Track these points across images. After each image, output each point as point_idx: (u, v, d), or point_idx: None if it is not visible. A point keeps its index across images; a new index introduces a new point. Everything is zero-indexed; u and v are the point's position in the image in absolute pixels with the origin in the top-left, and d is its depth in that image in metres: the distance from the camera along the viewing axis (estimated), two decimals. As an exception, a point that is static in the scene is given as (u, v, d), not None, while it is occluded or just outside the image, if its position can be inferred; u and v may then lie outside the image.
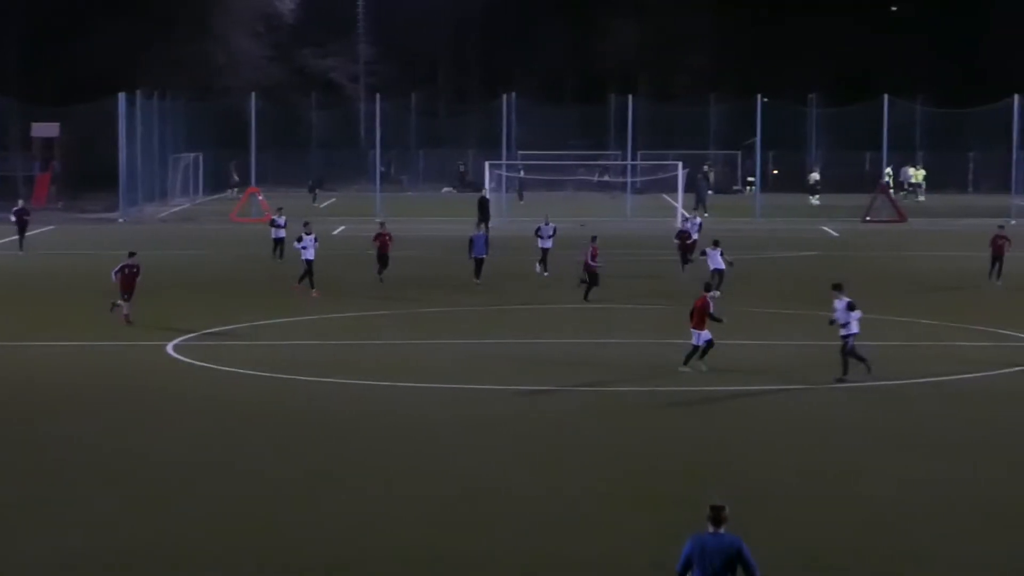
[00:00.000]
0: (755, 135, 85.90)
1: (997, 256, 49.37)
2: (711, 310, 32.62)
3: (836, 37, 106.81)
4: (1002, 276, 49.11)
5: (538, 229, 52.87)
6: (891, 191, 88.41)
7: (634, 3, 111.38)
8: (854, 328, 31.50)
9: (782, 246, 64.24)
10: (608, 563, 19.93)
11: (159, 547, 20.48)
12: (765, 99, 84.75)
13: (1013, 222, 78.65)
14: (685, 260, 51.38)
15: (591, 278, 45.28)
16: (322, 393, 31.48)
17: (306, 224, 49.24)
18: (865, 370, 31.57)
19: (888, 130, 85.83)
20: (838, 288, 32.45)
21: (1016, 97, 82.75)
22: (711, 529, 15.11)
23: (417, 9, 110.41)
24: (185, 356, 35.54)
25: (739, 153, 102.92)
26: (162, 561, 19.97)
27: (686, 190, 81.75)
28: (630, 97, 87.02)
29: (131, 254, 41.18)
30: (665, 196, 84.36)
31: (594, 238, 46.95)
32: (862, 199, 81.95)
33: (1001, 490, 23.47)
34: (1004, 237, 49.75)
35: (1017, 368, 34.09)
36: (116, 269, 40.57)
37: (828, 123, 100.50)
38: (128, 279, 40.22)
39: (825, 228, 74.64)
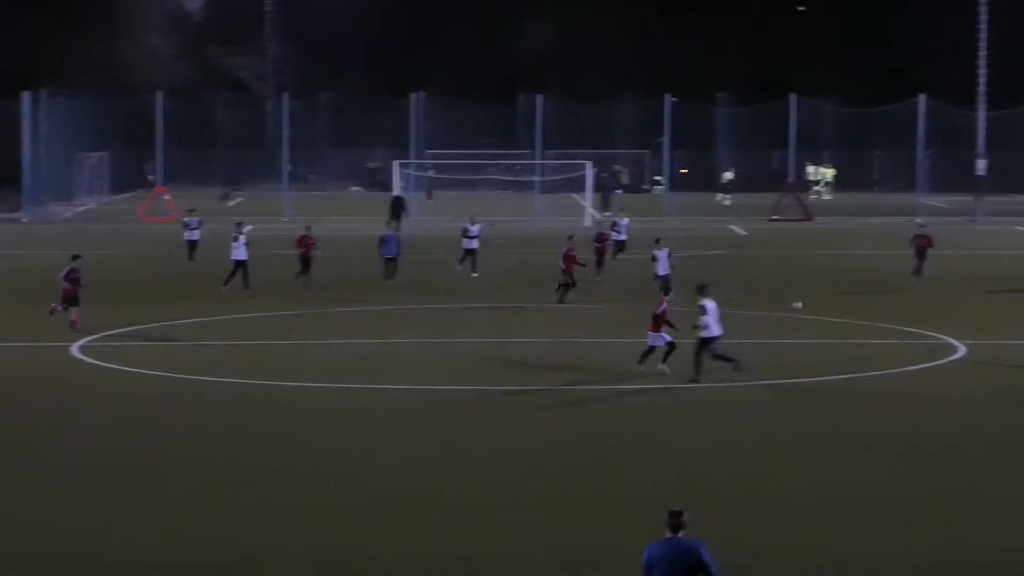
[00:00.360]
0: (664, 134, 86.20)
1: (920, 255, 49.48)
2: (666, 315, 32.40)
3: (745, 36, 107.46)
4: (923, 275, 49.08)
5: (465, 230, 52.63)
6: (809, 189, 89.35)
7: (545, 2, 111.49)
8: (715, 331, 31.19)
9: (689, 245, 64.41)
10: (512, 556, 19.89)
11: (50, 548, 20.21)
12: (674, 98, 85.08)
13: (919, 220, 79.47)
14: (600, 262, 51.18)
15: (568, 280, 44.80)
16: (225, 393, 31.22)
17: (239, 224, 48.59)
18: (734, 368, 31.42)
19: (796, 129, 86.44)
20: (703, 290, 32.03)
21: (922, 97, 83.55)
22: (669, 535, 14.59)
23: (326, 8, 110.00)
24: (90, 357, 35.15)
25: (648, 152, 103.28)
26: (52, 561, 19.71)
27: (595, 189, 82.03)
28: (540, 96, 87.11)
29: (75, 257, 39.98)
30: (574, 196, 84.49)
31: (571, 237, 46.76)
32: (771, 198, 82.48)
33: (898, 487, 23.57)
34: (925, 236, 49.95)
35: (924, 365, 34.35)
36: (63, 274, 39.23)
37: (737, 122, 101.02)
38: (73, 284, 38.96)
39: (733, 227, 75.01)
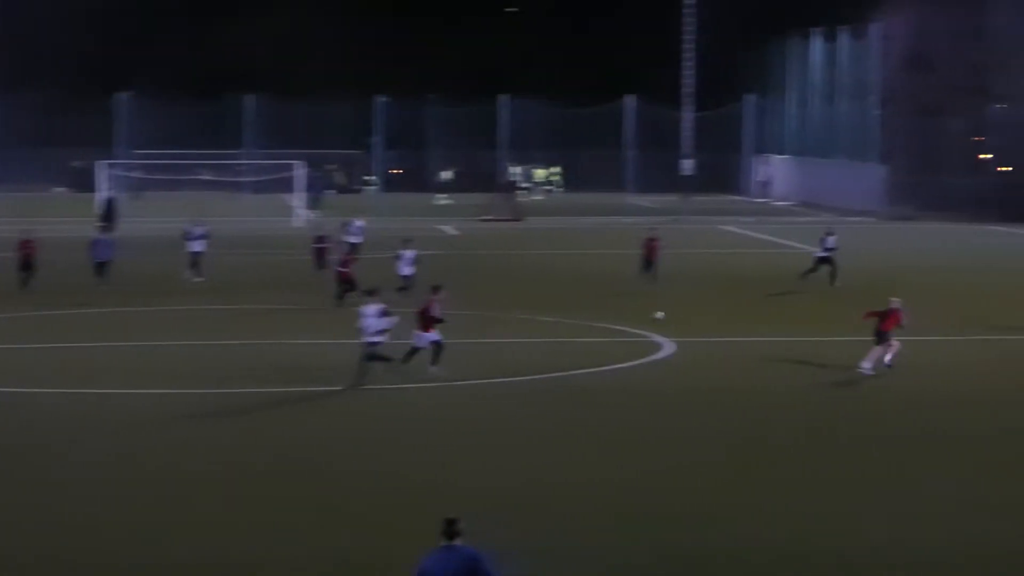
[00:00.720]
0: (376, 135, 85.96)
1: (649, 258, 49.61)
2: (436, 313, 31.97)
3: (457, 37, 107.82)
4: (655, 275, 49.21)
5: (186, 232, 51.41)
6: (518, 189, 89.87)
7: (257, 2, 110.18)
8: (380, 336, 30.75)
9: (398, 246, 64.13)
10: (203, 564, 19.39)
11: None
12: (386, 99, 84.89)
13: (628, 221, 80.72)
14: (321, 264, 50.47)
15: (344, 282, 43.85)
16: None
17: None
18: (386, 369, 31.11)
19: (508, 129, 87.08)
20: (371, 294, 31.80)
21: (629, 98, 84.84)
22: (444, 543, 14.16)
23: (32, 3, 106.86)
24: None
25: (361, 153, 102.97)
26: None
27: (306, 190, 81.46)
28: (250, 96, 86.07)
29: None
30: (285, 196, 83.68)
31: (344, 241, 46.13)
32: (484, 198, 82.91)
33: (600, 481, 23.67)
34: (656, 239, 50.16)
35: (629, 363, 34.66)
36: None
37: (449, 122, 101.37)
38: None
39: (444, 227, 75.10)
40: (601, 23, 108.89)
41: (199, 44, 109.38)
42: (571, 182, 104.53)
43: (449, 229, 73.95)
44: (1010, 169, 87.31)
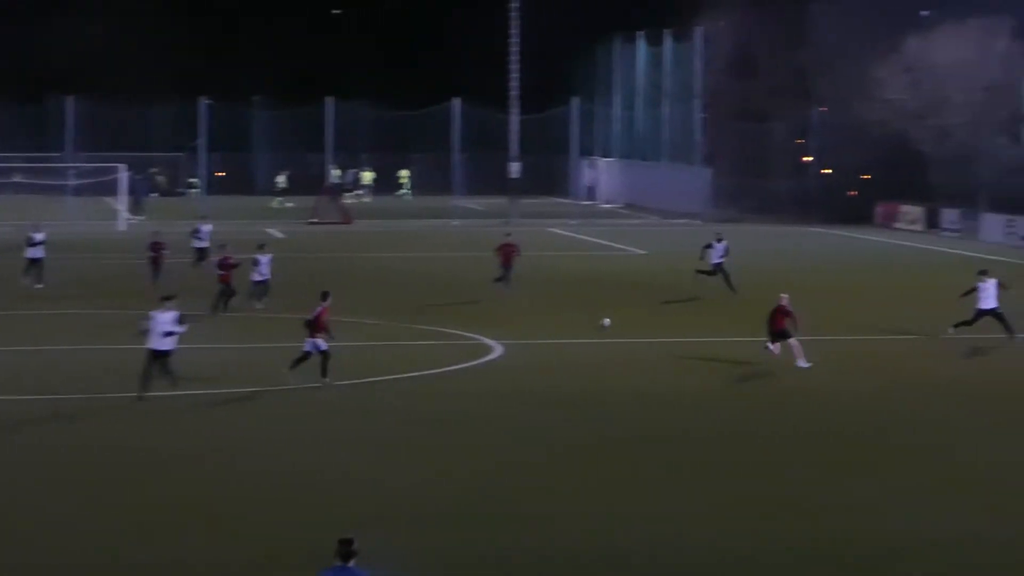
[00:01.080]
0: (199, 137, 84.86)
1: (506, 264, 48.36)
2: (324, 320, 31.19)
3: (281, 39, 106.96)
4: (510, 282, 47.99)
5: (30, 238, 50.11)
6: (349, 192, 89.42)
7: (77, 4, 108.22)
8: (168, 344, 29.57)
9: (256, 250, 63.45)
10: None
11: None
12: (209, 101, 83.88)
13: (456, 223, 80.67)
14: (156, 270, 49.34)
15: (227, 288, 42.87)
16: None
17: None
18: (170, 384, 29.88)
19: (334, 132, 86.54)
20: (168, 299, 30.48)
21: (456, 100, 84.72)
22: (338, 563, 13.74)
23: None
24: None
25: (184, 155, 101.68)
26: None
27: (128, 193, 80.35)
28: (70, 98, 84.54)
29: None
30: (107, 199, 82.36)
31: (223, 245, 45.10)
32: (311, 201, 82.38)
33: (436, 486, 23.51)
34: (512, 245, 48.96)
35: (458, 366, 34.52)
36: None
37: (275, 125, 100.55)
38: None
39: (271, 230, 74.32)
40: (428, 26, 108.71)
41: (17, 46, 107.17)
42: (399, 185, 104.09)
43: (276, 232, 73.16)
44: (831, 172, 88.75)
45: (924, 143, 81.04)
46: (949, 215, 77.33)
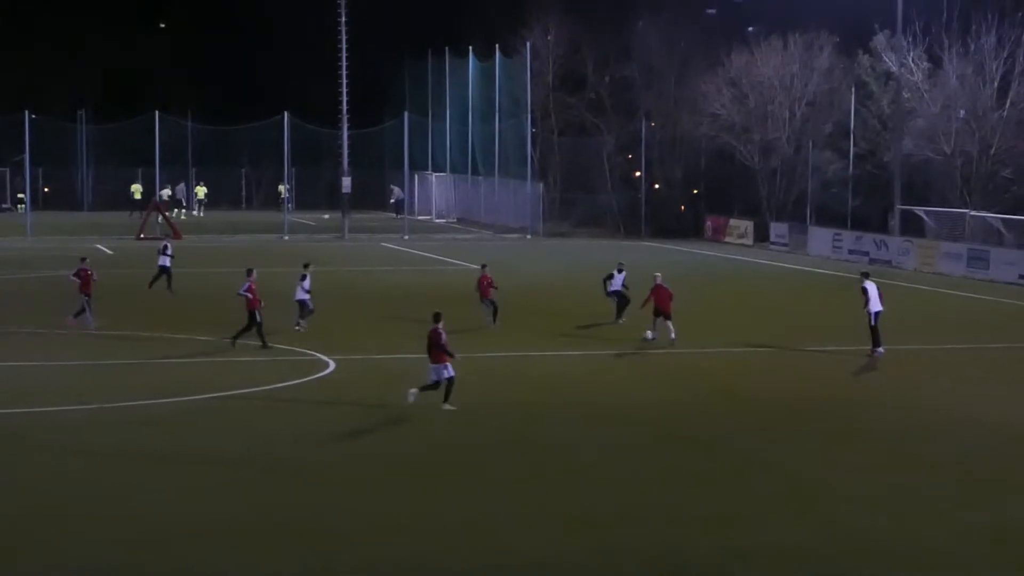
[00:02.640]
0: (24, 151, 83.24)
1: (483, 294, 46.20)
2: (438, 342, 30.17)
3: (106, 52, 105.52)
4: (492, 313, 44.67)
5: None
6: (179, 207, 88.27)
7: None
8: None
9: (52, 264, 62.38)
10: None
11: None
12: (33, 115, 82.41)
13: (287, 238, 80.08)
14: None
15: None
16: None
17: None
18: None
19: (160, 146, 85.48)
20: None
21: (286, 114, 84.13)
22: None
23: None
24: None
25: (8, 170, 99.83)
26: None
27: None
28: None
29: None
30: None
31: (83, 259, 44.06)
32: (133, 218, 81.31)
33: (276, 504, 23.22)
34: (486, 275, 44.96)
35: (293, 382, 34.19)
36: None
37: (101, 139, 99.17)
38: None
39: (99, 245, 73.17)
40: (256, 40, 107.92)
41: None
42: (231, 199, 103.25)
43: (103, 248, 72.03)
44: (660, 186, 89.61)
45: (750, 157, 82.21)
46: (778, 228, 78.49)
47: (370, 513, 22.66)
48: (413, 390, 30.31)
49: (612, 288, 45.63)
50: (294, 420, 29.94)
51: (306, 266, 43.92)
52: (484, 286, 44.41)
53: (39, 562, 19.98)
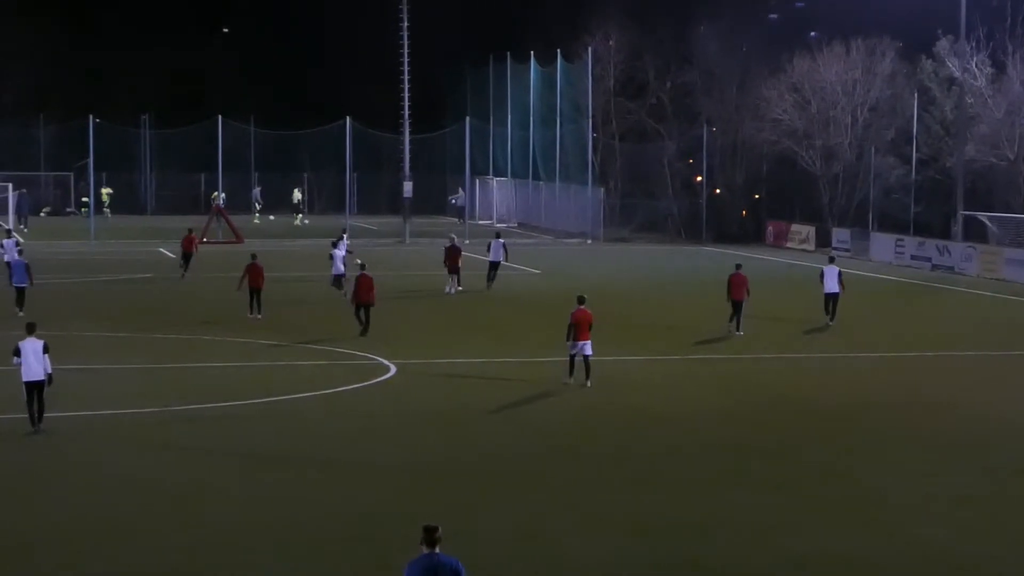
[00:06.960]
0: (88, 156, 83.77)
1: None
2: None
3: (169, 57, 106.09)
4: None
5: None
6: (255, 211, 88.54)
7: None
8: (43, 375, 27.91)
9: (119, 269, 62.76)
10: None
11: None
12: (97, 119, 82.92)
13: (353, 242, 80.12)
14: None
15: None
16: None
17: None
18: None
19: (223, 151, 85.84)
20: (31, 328, 28.64)
21: (348, 119, 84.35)
22: (426, 550, 14.91)
23: None
24: None
25: (72, 174, 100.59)
26: None
27: (15, 212, 79.52)
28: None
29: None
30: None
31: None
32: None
33: (324, 506, 23.31)
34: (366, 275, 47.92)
35: (356, 385, 34.29)
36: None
37: (163, 144, 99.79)
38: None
39: (162, 250, 73.56)
40: (318, 45, 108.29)
41: None
42: (289, 204, 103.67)
43: (168, 252, 72.40)
44: (721, 191, 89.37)
45: (812, 163, 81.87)
46: (840, 234, 78.10)
47: (428, 518, 22.70)
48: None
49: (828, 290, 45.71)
50: (354, 424, 30.05)
51: (344, 232, 45.09)
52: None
53: (102, 569, 20.10)
